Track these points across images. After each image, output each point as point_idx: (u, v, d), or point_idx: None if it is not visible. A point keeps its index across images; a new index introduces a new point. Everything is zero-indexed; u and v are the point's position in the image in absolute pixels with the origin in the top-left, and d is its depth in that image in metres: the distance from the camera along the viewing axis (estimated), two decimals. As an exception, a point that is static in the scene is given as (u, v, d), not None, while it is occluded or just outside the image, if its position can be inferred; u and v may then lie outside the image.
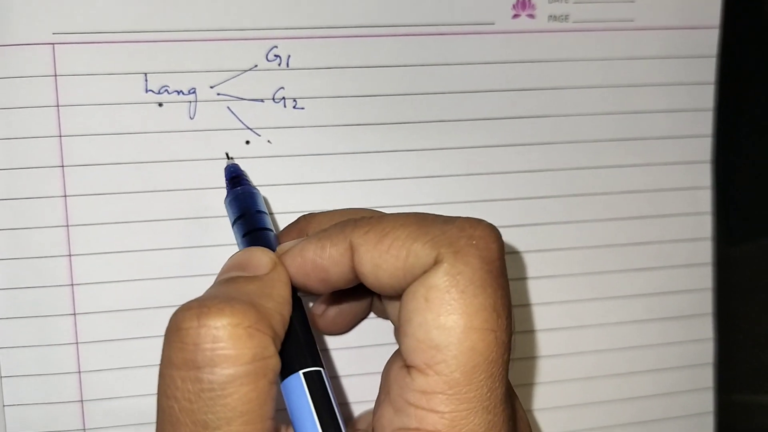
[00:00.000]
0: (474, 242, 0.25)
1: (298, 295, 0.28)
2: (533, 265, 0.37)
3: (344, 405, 0.35)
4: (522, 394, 0.37)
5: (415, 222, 0.26)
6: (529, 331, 0.38)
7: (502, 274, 0.26)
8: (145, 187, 0.33)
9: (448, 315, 0.24)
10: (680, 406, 0.40)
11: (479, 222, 0.26)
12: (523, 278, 0.37)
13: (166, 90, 0.33)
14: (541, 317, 0.38)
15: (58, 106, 0.32)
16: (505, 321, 0.25)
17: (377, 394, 0.30)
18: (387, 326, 0.35)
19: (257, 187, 0.33)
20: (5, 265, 0.33)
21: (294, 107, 0.34)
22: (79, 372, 0.33)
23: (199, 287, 0.33)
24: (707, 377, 0.40)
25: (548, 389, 0.38)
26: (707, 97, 0.38)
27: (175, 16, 0.33)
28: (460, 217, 0.26)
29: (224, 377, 0.23)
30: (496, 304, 0.25)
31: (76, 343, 0.33)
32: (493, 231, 0.26)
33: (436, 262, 0.25)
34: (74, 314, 0.33)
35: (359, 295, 0.33)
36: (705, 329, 0.40)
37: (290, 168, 0.34)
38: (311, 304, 0.34)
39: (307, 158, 0.35)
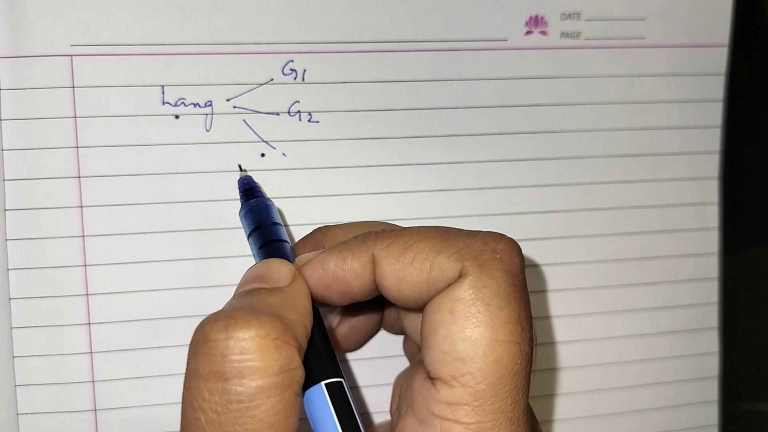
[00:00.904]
0: (498, 256, 0.25)
1: (316, 306, 0.28)
2: (543, 279, 0.38)
3: (362, 415, 0.35)
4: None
5: (437, 235, 0.26)
6: (538, 344, 0.38)
7: (524, 288, 0.26)
8: (161, 198, 0.33)
9: (474, 327, 0.24)
10: (685, 418, 0.40)
11: (501, 236, 0.26)
12: (532, 291, 0.37)
13: (183, 102, 0.33)
14: (550, 330, 0.38)
15: (75, 117, 0.33)
16: (529, 334, 0.25)
17: (393, 405, 0.30)
18: (398, 338, 0.35)
19: (272, 200, 0.33)
20: (21, 275, 0.33)
21: (309, 121, 0.35)
22: (93, 381, 0.33)
23: (213, 298, 0.34)
24: (712, 390, 0.40)
25: (555, 401, 0.38)
26: (716, 114, 0.39)
27: (192, 29, 0.33)
28: (481, 231, 0.27)
29: (252, 389, 0.23)
30: (520, 317, 0.25)
31: (90, 352, 0.33)
32: (515, 245, 0.26)
33: (461, 275, 0.25)
34: (89, 324, 0.33)
35: (370, 312, 0.33)
36: (710, 343, 0.40)
37: (305, 181, 0.35)
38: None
39: (321, 171, 0.35)
